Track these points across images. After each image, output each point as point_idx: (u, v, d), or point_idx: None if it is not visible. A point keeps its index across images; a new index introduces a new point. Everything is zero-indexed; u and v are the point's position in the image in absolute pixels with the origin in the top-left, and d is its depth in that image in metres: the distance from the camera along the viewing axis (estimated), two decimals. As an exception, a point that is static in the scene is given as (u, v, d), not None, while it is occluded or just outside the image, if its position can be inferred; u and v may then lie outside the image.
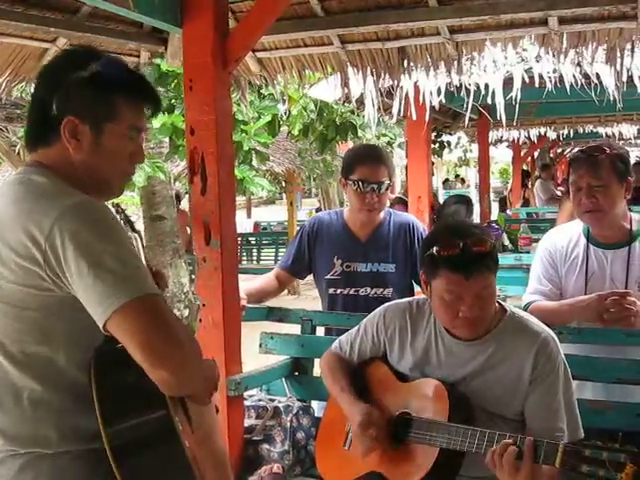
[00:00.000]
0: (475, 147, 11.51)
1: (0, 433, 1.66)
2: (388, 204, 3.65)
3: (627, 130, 10.72)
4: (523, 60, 5.18)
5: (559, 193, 11.36)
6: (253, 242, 17.03)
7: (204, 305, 2.95)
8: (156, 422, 1.67)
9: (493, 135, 11.30)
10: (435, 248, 2.30)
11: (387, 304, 2.66)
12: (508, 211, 12.54)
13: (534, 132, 11.08)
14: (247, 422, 3.11)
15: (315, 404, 3.33)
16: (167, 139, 7.09)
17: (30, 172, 1.74)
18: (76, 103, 1.72)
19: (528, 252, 6.22)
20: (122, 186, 1.89)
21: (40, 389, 1.66)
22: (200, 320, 2.94)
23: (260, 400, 3.19)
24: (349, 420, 2.50)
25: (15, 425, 1.66)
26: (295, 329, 3.47)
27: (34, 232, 1.59)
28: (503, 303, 2.47)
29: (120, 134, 1.79)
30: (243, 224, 19.60)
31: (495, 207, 14.02)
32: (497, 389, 2.34)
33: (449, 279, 2.27)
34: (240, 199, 27.16)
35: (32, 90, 1.85)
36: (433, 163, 9.28)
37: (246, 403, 3.15)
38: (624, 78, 4.41)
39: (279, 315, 3.48)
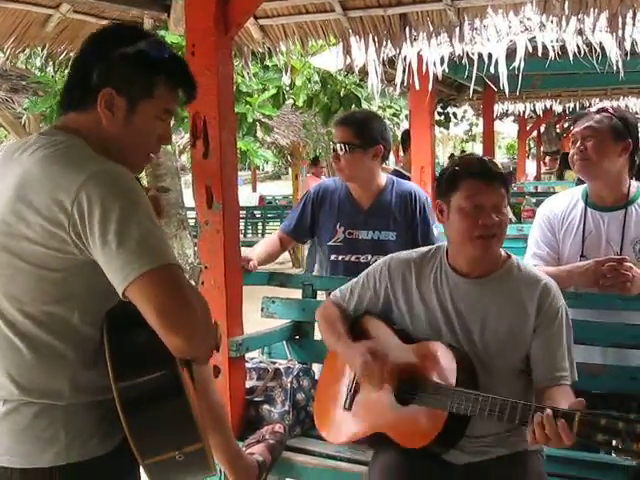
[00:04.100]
0: (482, 122, 11.47)
1: (15, 384, 1.70)
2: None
3: (633, 104, 10.68)
4: (527, 29, 5.17)
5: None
6: (258, 215, 17.05)
7: (206, 267, 2.98)
8: (165, 379, 1.70)
9: (499, 108, 11.27)
10: (455, 167, 2.41)
11: (391, 255, 2.66)
12: (513, 185, 12.51)
13: (540, 105, 11.04)
14: (248, 383, 3.15)
15: (315, 367, 3.37)
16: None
17: (57, 134, 1.77)
18: (116, 76, 1.75)
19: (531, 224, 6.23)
20: (144, 164, 1.95)
21: (58, 344, 1.70)
22: (202, 282, 2.97)
23: (261, 362, 3.24)
24: (350, 365, 2.52)
25: (30, 377, 1.70)
26: (296, 295, 3.51)
27: (61, 196, 1.61)
28: (507, 251, 2.52)
29: (153, 114, 1.82)
30: (248, 198, 19.61)
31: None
32: (503, 331, 2.37)
33: (470, 186, 2.34)
34: (245, 173, 27.20)
35: (75, 55, 1.89)
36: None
37: (247, 365, 3.19)
38: (627, 47, 4.42)
39: (281, 280, 3.51)
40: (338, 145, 3.42)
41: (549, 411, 2.02)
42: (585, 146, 2.85)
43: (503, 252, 2.48)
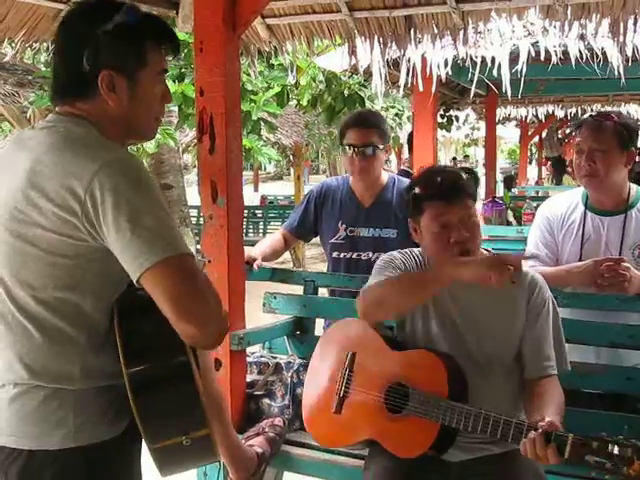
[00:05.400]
0: (483, 125, 11.50)
1: (26, 368, 1.73)
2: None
3: (635, 110, 10.70)
4: (530, 34, 5.21)
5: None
6: (260, 215, 17.07)
7: (209, 261, 3.02)
8: (175, 365, 1.74)
9: (501, 113, 11.30)
10: (417, 189, 2.47)
11: (382, 256, 2.66)
12: (514, 189, 12.56)
13: (542, 110, 11.06)
14: (249, 377, 3.19)
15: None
16: (176, 108, 7.11)
17: (65, 121, 1.78)
18: (108, 56, 1.75)
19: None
20: (155, 129, 1.96)
21: (69, 330, 1.73)
22: (205, 276, 3.00)
23: (262, 357, 3.28)
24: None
25: (42, 362, 1.73)
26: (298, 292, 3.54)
27: (73, 184, 1.63)
28: (489, 249, 2.58)
29: (152, 80, 1.84)
30: (250, 197, 19.63)
31: (500, 186, 14.07)
32: (498, 329, 2.42)
33: (433, 208, 2.41)
34: (248, 173, 27.26)
35: (54, 45, 1.88)
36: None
37: (248, 359, 3.23)
38: (629, 52, 4.46)
39: (282, 276, 3.56)
40: (364, 148, 3.44)
41: (541, 432, 2.03)
42: (593, 160, 2.87)
43: (485, 251, 2.52)
